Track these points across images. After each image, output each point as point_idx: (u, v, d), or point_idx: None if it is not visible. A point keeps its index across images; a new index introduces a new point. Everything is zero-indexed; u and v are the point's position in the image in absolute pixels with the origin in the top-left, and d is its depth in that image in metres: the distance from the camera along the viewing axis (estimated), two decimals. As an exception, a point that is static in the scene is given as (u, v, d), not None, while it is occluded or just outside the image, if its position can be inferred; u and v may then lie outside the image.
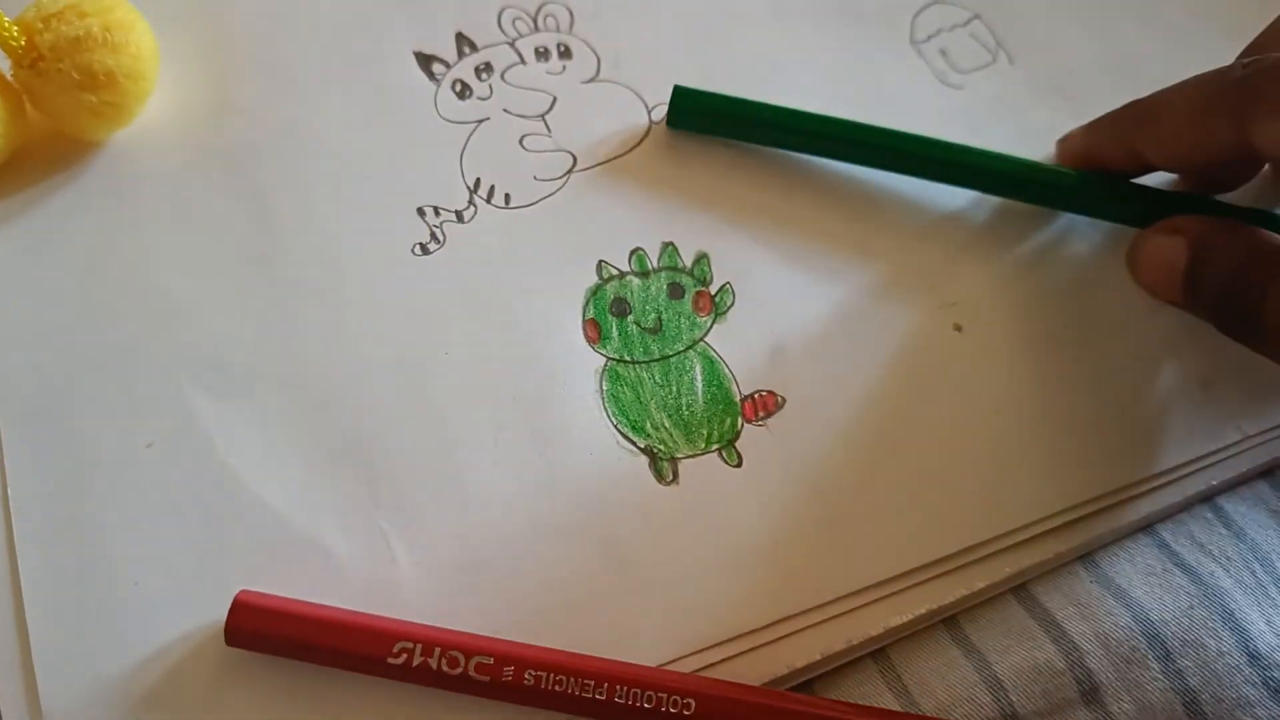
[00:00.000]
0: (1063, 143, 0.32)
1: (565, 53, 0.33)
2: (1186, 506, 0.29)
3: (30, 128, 0.30)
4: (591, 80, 0.32)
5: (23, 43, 0.28)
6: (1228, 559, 0.28)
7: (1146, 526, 0.29)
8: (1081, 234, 0.31)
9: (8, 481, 0.26)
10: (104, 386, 0.27)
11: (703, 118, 0.31)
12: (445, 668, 0.23)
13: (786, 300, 0.30)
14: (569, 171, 0.31)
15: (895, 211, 0.31)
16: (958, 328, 0.29)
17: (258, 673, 0.24)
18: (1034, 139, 0.32)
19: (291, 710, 0.24)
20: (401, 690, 0.24)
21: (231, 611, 0.24)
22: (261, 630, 0.24)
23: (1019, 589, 0.27)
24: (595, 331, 0.29)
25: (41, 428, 0.27)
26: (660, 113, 0.32)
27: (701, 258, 0.30)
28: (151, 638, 0.25)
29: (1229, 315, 0.27)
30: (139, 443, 0.27)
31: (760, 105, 0.31)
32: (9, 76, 0.29)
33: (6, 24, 0.28)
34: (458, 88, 0.32)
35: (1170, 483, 0.28)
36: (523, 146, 0.31)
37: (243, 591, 0.25)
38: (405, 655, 0.24)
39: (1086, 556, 0.28)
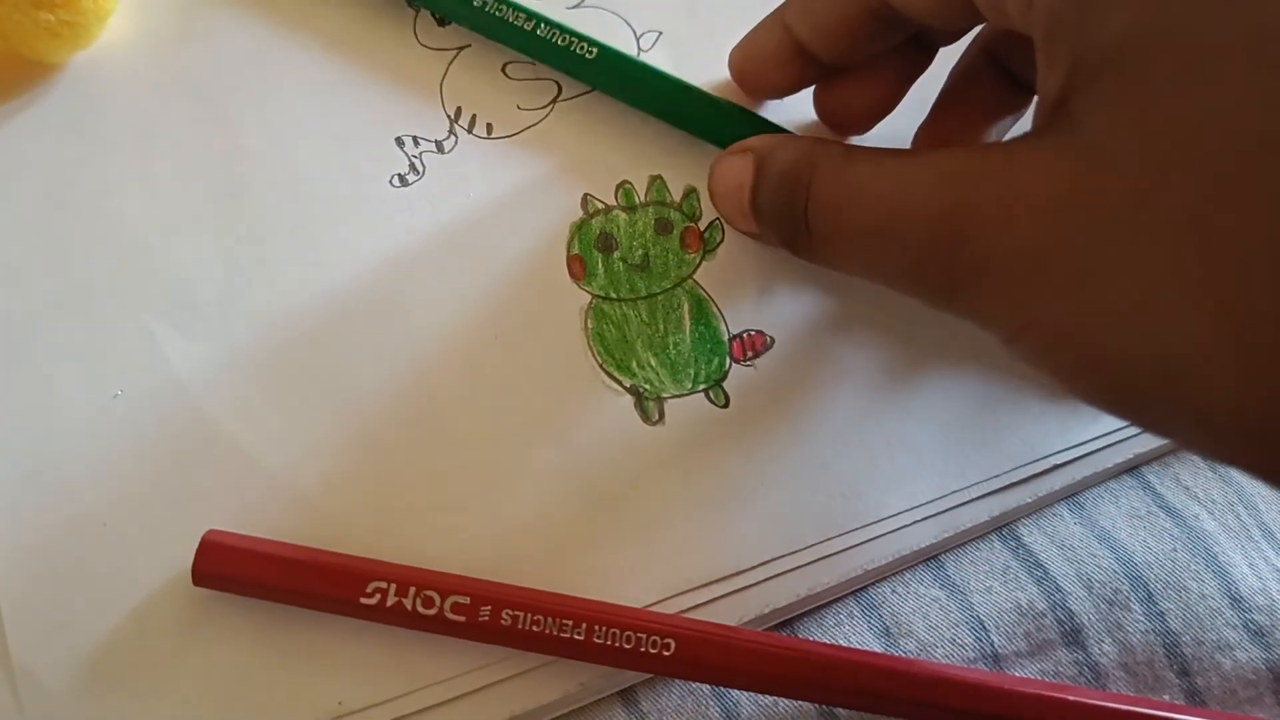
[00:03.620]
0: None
1: (549, -25, 0.31)
2: (1173, 449, 0.28)
3: (-14, 47, 0.29)
4: (577, 6, 0.31)
5: (-25, -44, 0.27)
6: (1213, 502, 0.28)
7: (1132, 469, 0.28)
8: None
9: (-30, 419, 0.25)
10: (67, 325, 0.26)
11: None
12: (420, 608, 0.23)
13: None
14: (553, 101, 0.30)
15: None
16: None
17: (228, 614, 0.24)
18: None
19: (262, 651, 0.24)
20: (375, 631, 0.24)
21: (199, 550, 0.24)
22: (229, 570, 0.23)
23: (1003, 529, 0.27)
24: (580, 268, 0.28)
25: (3, 364, 0.26)
26: (649, 40, 0.31)
27: (691, 192, 0.29)
28: (120, 580, 0.24)
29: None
30: (105, 386, 0.26)
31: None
32: (-37, -7, 0.28)
33: (-42, -64, 0.27)
34: (438, 14, 0.30)
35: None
36: (505, 74, 0.30)
37: (210, 530, 0.24)
38: (379, 595, 0.23)
39: (1071, 498, 0.28)
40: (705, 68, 0.29)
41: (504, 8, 0.29)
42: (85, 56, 0.29)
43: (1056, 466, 0.27)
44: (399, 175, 0.29)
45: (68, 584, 0.24)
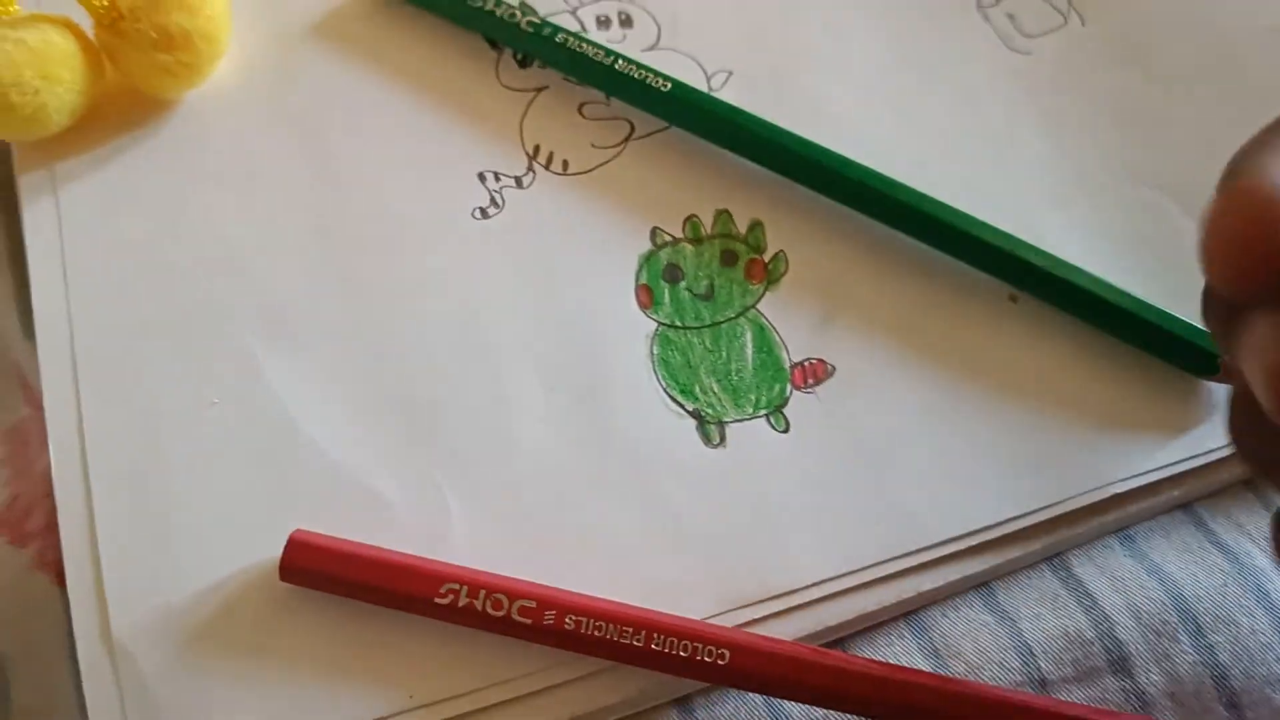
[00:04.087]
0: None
1: (626, 21, 0.33)
2: (1226, 486, 0.29)
3: (108, 85, 0.31)
4: (651, 48, 0.33)
5: (105, 3, 0.29)
6: (1266, 539, 0.28)
7: (1185, 505, 0.29)
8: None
9: (84, 422, 0.27)
10: (173, 336, 0.29)
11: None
12: (490, 609, 0.24)
13: (840, 269, 0.30)
14: (626, 139, 0.32)
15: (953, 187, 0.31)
16: (1013, 298, 0.30)
17: (309, 608, 0.25)
18: (1102, 103, 0.32)
19: (340, 645, 0.25)
20: (447, 630, 0.25)
21: (286, 549, 0.25)
22: (313, 567, 0.25)
23: (1053, 559, 0.28)
24: (648, 296, 0.30)
25: (117, 370, 0.28)
26: (719, 80, 0.32)
27: (756, 225, 0.30)
28: (212, 572, 0.26)
29: None
30: (206, 391, 0.28)
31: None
32: (90, 35, 0.30)
33: (90, -16, 0.29)
34: (519, 56, 0.32)
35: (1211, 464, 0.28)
36: (581, 114, 0.32)
37: (297, 530, 0.26)
38: (452, 595, 0.25)
39: (1123, 531, 0.28)
40: (772, 105, 0.31)
41: (584, 45, 0.31)
42: (197, 94, 0.32)
43: (1112, 497, 0.28)
44: (480, 208, 0.31)
45: (165, 575, 0.26)
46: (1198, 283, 0.30)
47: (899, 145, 0.31)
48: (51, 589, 0.27)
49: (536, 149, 0.31)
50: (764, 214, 0.31)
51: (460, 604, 0.25)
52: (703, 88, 0.32)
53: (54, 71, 0.29)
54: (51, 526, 0.27)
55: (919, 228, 0.30)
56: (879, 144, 0.30)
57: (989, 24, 0.34)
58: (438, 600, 0.25)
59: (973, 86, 0.31)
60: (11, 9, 0.30)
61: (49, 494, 0.27)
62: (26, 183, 0.30)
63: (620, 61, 0.31)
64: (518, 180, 0.31)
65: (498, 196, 0.31)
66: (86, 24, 0.30)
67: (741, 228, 0.30)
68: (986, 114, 0.32)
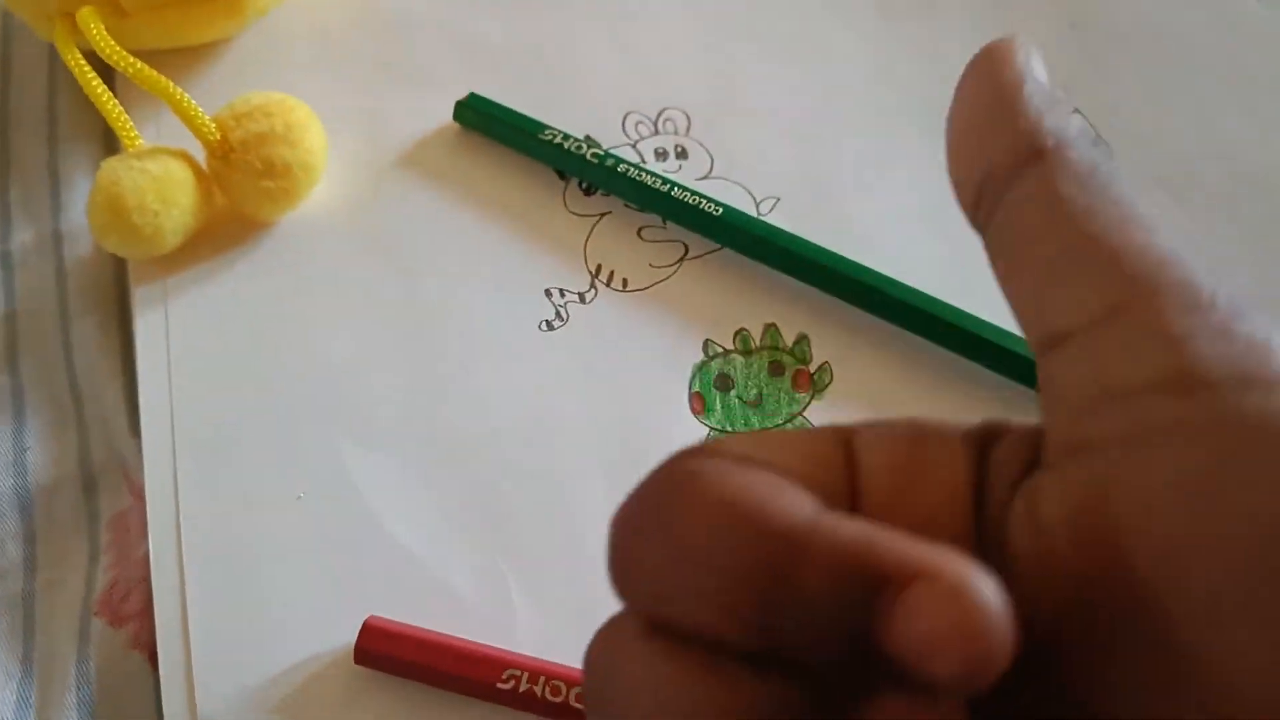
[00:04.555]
0: None
1: (682, 153, 0.36)
2: None
3: (215, 209, 0.34)
4: (705, 177, 0.36)
5: (218, 137, 0.33)
6: None
7: None
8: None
9: (181, 513, 0.30)
10: (266, 435, 0.31)
11: (490, 123, 0.36)
12: (549, 695, 0.26)
13: (883, 381, 0.32)
14: (681, 259, 0.34)
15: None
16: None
17: (380, 691, 0.27)
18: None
19: (411, 725, 0.27)
20: (509, 715, 0.27)
21: (361, 633, 0.27)
22: (386, 651, 0.27)
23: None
24: (700, 404, 0.32)
25: (213, 465, 0.31)
26: (767, 206, 0.35)
27: (802, 338, 0.33)
28: (292, 654, 0.28)
29: None
30: (294, 485, 0.30)
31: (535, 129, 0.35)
32: (203, 165, 0.34)
33: (206, 120, 0.33)
34: (584, 184, 0.35)
35: None
36: (640, 237, 0.35)
37: (371, 616, 0.28)
38: (514, 681, 0.26)
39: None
40: (816, 227, 0.33)
41: (643, 174, 0.34)
42: (294, 216, 0.35)
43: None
44: (547, 321, 0.33)
45: (249, 657, 0.28)
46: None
47: (939, 264, 0.33)
48: (144, 667, 0.29)
49: (599, 268, 0.34)
50: (809, 328, 0.33)
51: (521, 689, 0.26)
52: (751, 212, 0.35)
53: (172, 197, 0.32)
54: (147, 609, 0.29)
55: (959, 342, 0.31)
56: (919, 263, 0.32)
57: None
58: (500, 685, 0.26)
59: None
60: (137, 142, 0.34)
61: (146, 578, 0.29)
62: (140, 295, 0.34)
63: (676, 189, 0.34)
64: (581, 296, 0.34)
65: (563, 311, 0.33)
66: (200, 154, 0.34)
67: (789, 340, 0.33)
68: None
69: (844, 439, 0.17)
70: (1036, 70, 0.18)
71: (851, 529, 0.14)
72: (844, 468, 0.17)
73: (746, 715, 0.15)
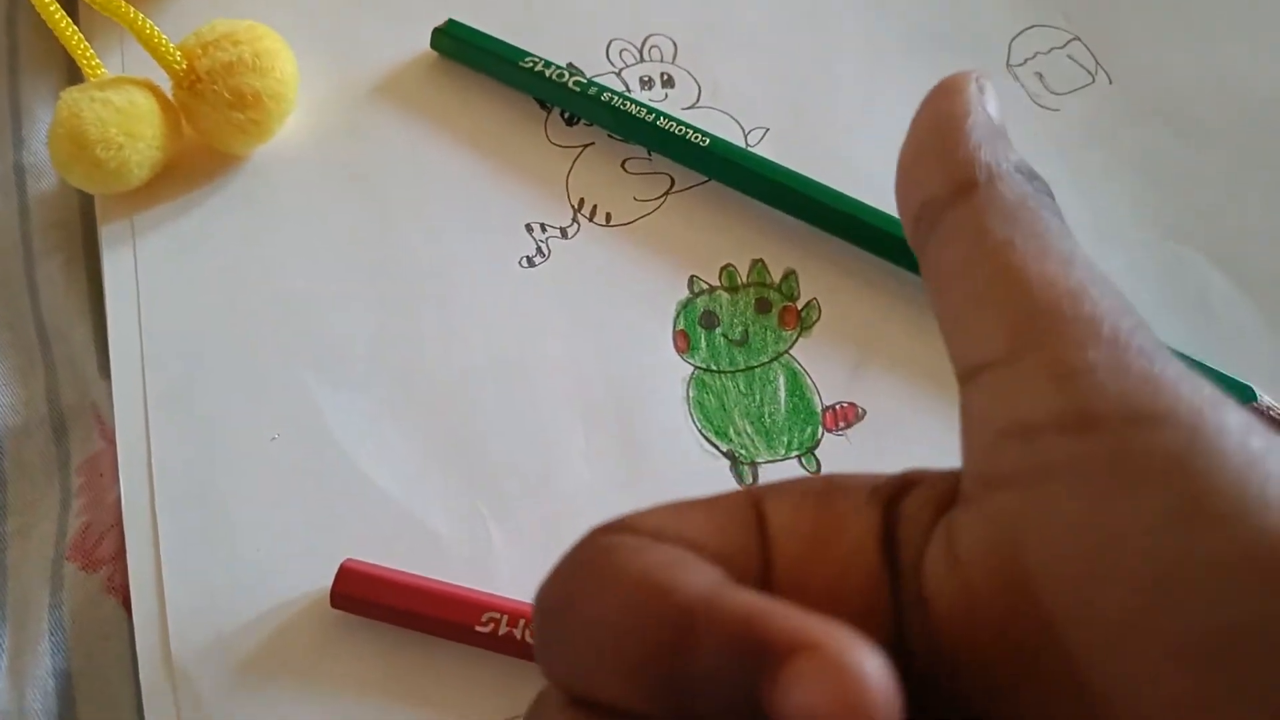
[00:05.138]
0: None
1: (668, 82, 0.35)
2: None
3: (184, 141, 0.33)
4: (691, 107, 0.34)
5: (184, 66, 0.32)
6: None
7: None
8: (1163, 264, 0.32)
9: (153, 456, 0.29)
10: (238, 375, 0.30)
11: (469, 51, 0.35)
12: (529, 638, 0.25)
13: (871, 317, 0.31)
14: (666, 193, 0.33)
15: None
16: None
17: (357, 634, 0.27)
18: (1129, 161, 0.33)
19: (387, 670, 0.26)
20: (488, 658, 0.26)
21: (337, 577, 0.27)
22: (362, 595, 0.26)
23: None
24: (684, 342, 0.31)
25: (185, 406, 0.30)
26: (756, 136, 0.34)
27: (790, 274, 0.32)
28: (268, 598, 0.27)
29: None
30: (267, 427, 0.29)
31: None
32: (169, 96, 0.33)
33: (171, 49, 0.32)
34: (566, 115, 0.34)
35: None
36: (624, 169, 0.33)
37: (348, 560, 0.27)
38: (492, 624, 0.26)
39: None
40: (806, 159, 0.32)
41: (628, 103, 0.33)
42: (265, 149, 0.34)
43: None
44: (527, 257, 0.32)
45: (224, 601, 0.27)
46: (1231, 336, 0.31)
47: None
48: (118, 612, 0.28)
49: (581, 202, 0.33)
50: (797, 263, 0.32)
51: (500, 632, 0.26)
52: (740, 144, 0.33)
53: (136, 129, 0.31)
54: (120, 554, 0.28)
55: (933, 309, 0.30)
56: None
57: (1018, 82, 0.35)
58: (479, 629, 0.26)
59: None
60: (99, 72, 0.32)
61: (119, 523, 0.29)
62: (108, 232, 0.33)
63: (662, 119, 0.32)
64: (563, 231, 0.32)
65: (544, 246, 0.32)
66: (166, 85, 0.33)
67: (776, 276, 0.32)
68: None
69: (756, 502, 0.18)
70: (985, 103, 0.18)
71: (741, 602, 0.14)
72: (755, 533, 0.17)
73: None
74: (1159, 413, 0.15)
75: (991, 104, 0.19)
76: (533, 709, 0.17)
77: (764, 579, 0.17)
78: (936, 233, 0.18)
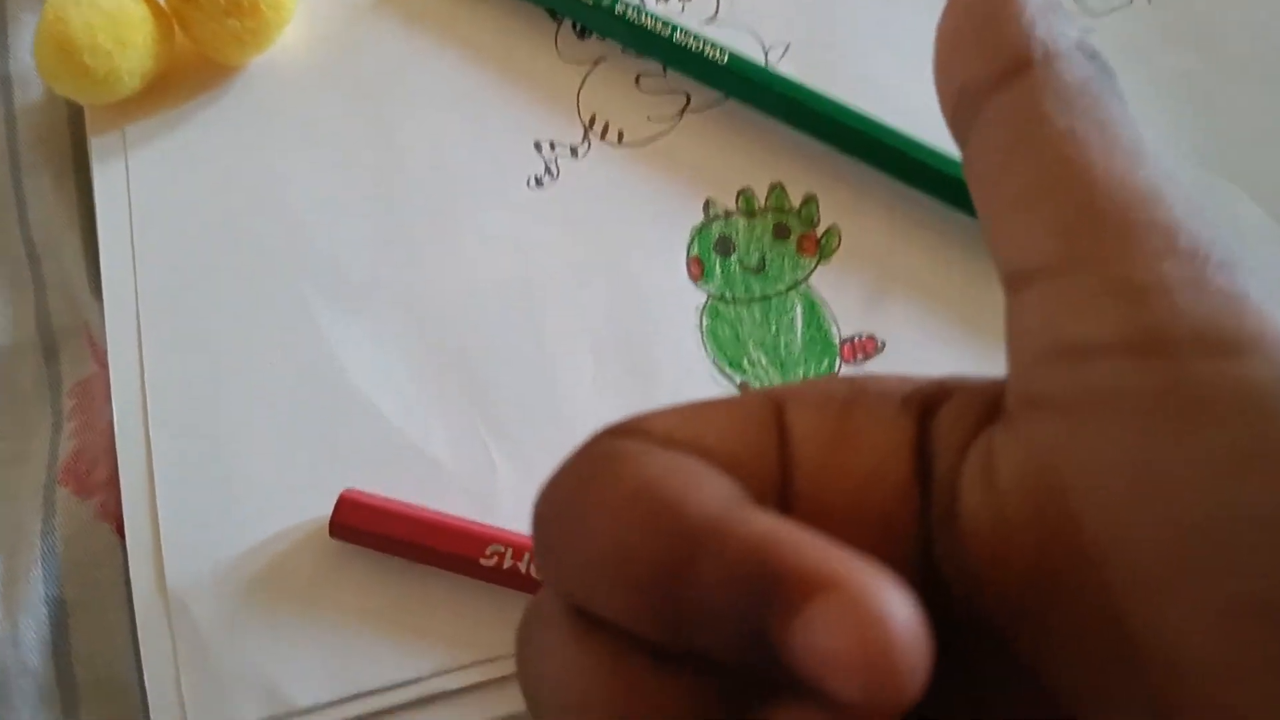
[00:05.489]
0: None
1: (685, -6, 0.33)
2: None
3: (177, 51, 0.32)
4: (710, 20, 0.33)
5: (176, -31, 0.30)
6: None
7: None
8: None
9: (146, 379, 0.28)
10: (235, 296, 0.29)
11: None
12: (533, 572, 0.25)
13: (892, 245, 0.30)
14: (682, 111, 0.31)
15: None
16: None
17: (358, 565, 0.26)
18: (1166, 85, 0.31)
19: (387, 602, 0.26)
20: (491, 591, 0.25)
21: (337, 507, 0.26)
22: (362, 526, 0.26)
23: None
24: (699, 269, 0.30)
25: (177, 331, 0.29)
26: (776, 54, 0.32)
27: (810, 199, 0.30)
28: (265, 527, 0.26)
29: None
30: (264, 350, 0.28)
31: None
32: (161, 2, 0.31)
33: (162, -49, 0.30)
34: (578, 27, 0.32)
35: None
36: (638, 86, 0.32)
37: (348, 489, 0.26)
38: (496, 558, 0.25)
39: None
40: (829, 78, 0.31)
41: (643, 16, 0.31)
42: (262, 60, 0.32)
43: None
44: (535, 176, 0.31)
45: (220, 530, 0.26)
46: (1265, 269, 0.29)
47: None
48: (113, 539, 0.27)
49: (592, 119, 0.31)
50: (818, 188, 0.30)
51: (505, 566, 0.25)
52: (760, 61, 0.32)
53: (126, 36, 0.29)
54: (114, 480, 0.28)
55: (974, 204, 0.29)
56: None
57: None
58: (483, 562, 0.25)
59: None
60: (86, -25, 0.31)
61: (113, 448, 0.28)
62: (98, 145, 0.31)
63: (678, 33, 0.31)
64: (573, 150, 0.31)
65: (553, 166, 0.31)
66: (158, -9, 0.31)
67: (795, 202, 0.30)
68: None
69: (776, 408, 0.16)
70: None
71: (754, 528, 0.13)
72: (775, 439, 0.16)
73: (648, 712, 0.14)
74: (1242, 341, 0.13)
75: None
76: (529, 615, 0.16)
77: (783, 490, 0.16)
78: (981, 119, 0.16)
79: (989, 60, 0.16)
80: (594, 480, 0.15)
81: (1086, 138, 0.15)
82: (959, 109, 0.16)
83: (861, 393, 0.16)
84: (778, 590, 0.12)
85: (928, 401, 0.16)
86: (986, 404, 0.16)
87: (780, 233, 0.30)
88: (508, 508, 0.27)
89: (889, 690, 0.11)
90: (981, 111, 0.16)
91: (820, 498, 0.15)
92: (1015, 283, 0.15)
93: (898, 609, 0.12)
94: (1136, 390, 0.13)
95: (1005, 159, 0.15)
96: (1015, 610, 0.15)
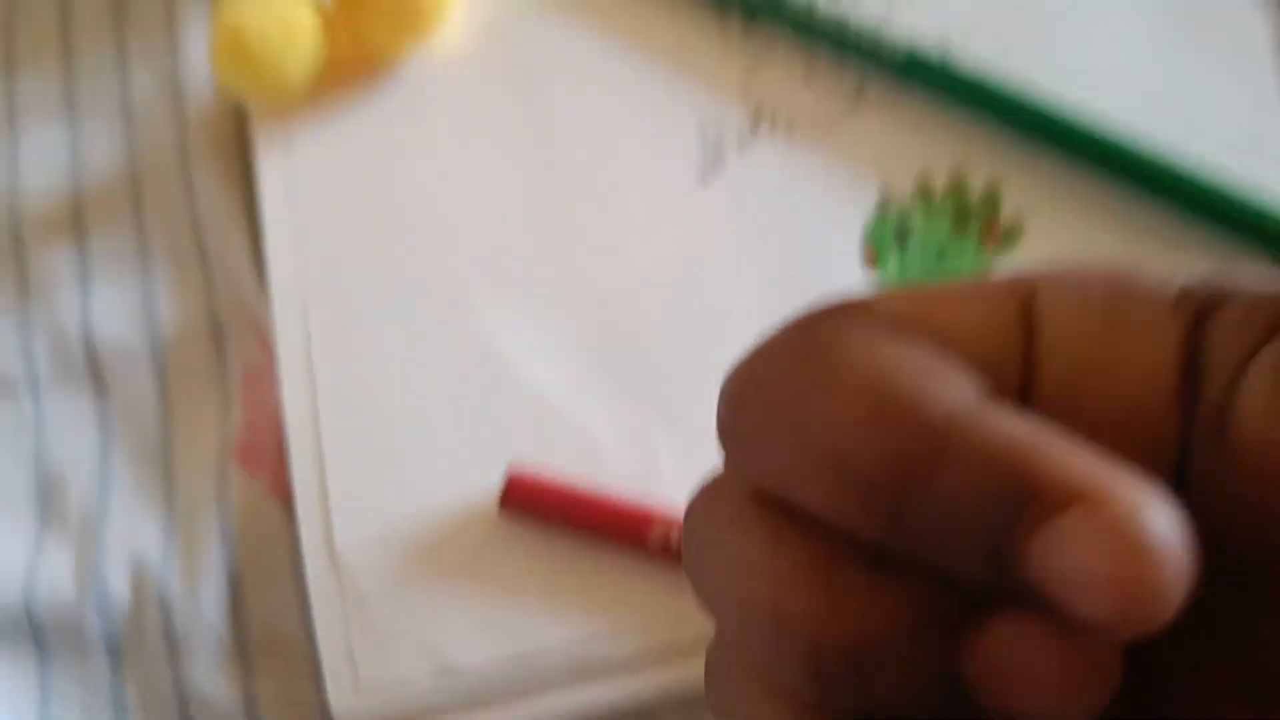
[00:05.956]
0: None
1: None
2: None
3: (340, 48, 0.32)
4: (886, 7, 0.32)
5: (349, -37, 0.31)
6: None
7: None
8: None
9: (313, 362, 0.29)
10: (396, 282, 0.29)
11: None
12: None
13: (1080, 238, 0.28)
14: (854, 98, 0.31)
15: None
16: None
17: (524, 539, 0.26)
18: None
19: (551, 575, 0.26)
20: (655, 568, 0.25)
21: (507, 483, 0.26)
22: (533, 501, 0.26)
23: None
24: (874, 257, 0.29)
25: (342, 317, 0.29)
26: (955, 38, 0.31)
27: (993, 188, 0.29)
28: (431, 499, 0.27)
29: None
30: (428, 332, 0.29)
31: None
32: (325, 2, 0.32)
33: (337, -48, 0.31)
34: (747, 14, 0.32)
35: None
36: (807, 74, 0.31)
37: (515, 466, 0.26)
38: (663, 535, 0.24)
39: None
40: (1013, 60, 0.29)
41: (814, 7, 0.30)
42: (423, 55, 0.33)
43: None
44: (702, 167, 0.30)
45: (387, 502, 0.27)
46: None
47: (1157, 103, 0.29)
48: (282, 514, 0.28)
49: (759, 109, 0.31)
50: (1001, 175, 0.29)
51: (671, 544, 0.24)
52: (938, 43, 0.31)
53: (296, 37, 0.30)
54: (282, 459, 0.28)
55: (1176, 195, 0.27)
56: (1129, 102, 0.28)
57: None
58: (650, 539, 0.24)
59: (1241, 45, 0.29)
60: (262, -23, 0.31)
61: (279, 429, 0.28)
62: (263, 143, 0.32)
63: (852, 26, 0.30)
64: (740, 141, 0.30)
65: (719, 156, 0.30)
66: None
67: (977, 190, 0.29)
68: (1258, 74, 0.30)
69: (1024, 297, 0.15)
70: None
71: (1007, 428, 0.12)
72: (1022, 336, 0.14)
73: (854, 620, 0.13)
74: None
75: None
76: (706, 497, 0.15)
77: (1026, 395, 0.14)
78: None
79: None
80: (812, 363, 0.13)
81: None
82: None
83: (1126, 289, 0.15)
84: (1029, 497, 0.11)
85: (1203, 305, 0.14)
86: (1274, 316, 0.14)
87: (960, 222, 0.29)
88: (672, 485, 0.26)
89: (1141, 613, 0.11)
90: None
91: (1070, 408, 0.14)
92: None
93: (1163, 525, 0.11)
94: None
95: None
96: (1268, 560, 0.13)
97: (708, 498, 0.15)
